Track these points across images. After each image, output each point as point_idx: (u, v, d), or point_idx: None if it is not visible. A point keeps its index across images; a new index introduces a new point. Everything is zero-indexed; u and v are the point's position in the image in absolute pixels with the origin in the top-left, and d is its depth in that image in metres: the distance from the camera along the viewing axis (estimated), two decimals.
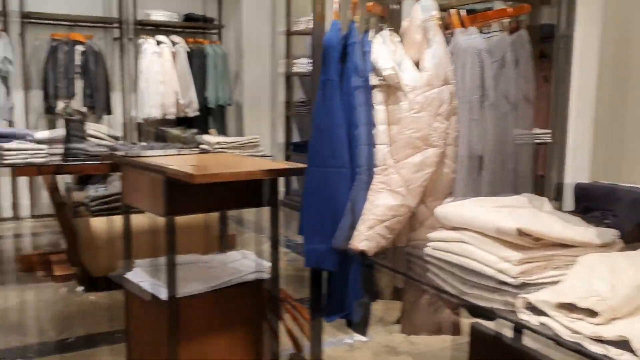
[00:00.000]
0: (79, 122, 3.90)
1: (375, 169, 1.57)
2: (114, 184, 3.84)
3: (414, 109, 1.57)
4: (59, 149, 4.01)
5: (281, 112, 6.40)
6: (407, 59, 1.67)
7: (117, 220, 3.71)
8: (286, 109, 6.37)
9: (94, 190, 3.80)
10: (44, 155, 3.75)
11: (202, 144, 4.70)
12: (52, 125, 5.51)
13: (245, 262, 2.47)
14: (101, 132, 4.32)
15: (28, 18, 5.38)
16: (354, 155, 1.57)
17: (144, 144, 4.35)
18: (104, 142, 4.30)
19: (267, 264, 2.42)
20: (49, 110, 5.41)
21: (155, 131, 4.90)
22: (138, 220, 3.78)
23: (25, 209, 5.64)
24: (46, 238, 5.02)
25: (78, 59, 5.44)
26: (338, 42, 1.65)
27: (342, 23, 1.75)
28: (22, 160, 3.65)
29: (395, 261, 1.61)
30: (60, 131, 4.20)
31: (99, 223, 3.66)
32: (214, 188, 2.03)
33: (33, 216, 5.64)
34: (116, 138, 4.43)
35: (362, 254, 1.53)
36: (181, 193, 2.04)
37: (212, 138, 4.34)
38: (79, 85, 5.47)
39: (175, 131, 4.73)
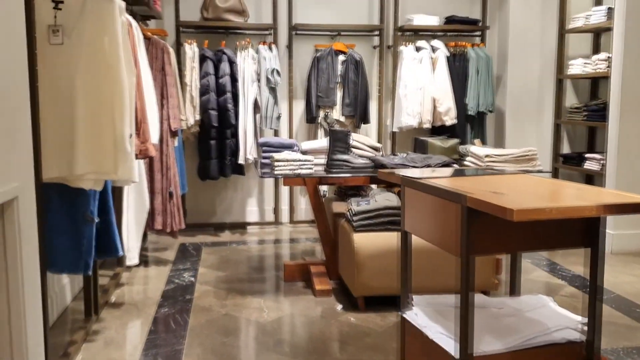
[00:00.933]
0: (344, 133, 3.77)
1: None
2: (377, 198, 3.62)
3: None
4: (323, 159, 3.96)
5: (549, 120, 5.69)
6: None
7: (381, 237, 3.49)
8: (555, 116, 5.64)
9: (356, 204, 3.62)
10: (310, 166, 3.69)
11: (467, 155, 4.30)
12: (313, 134, 5.59)
13: (547, 312, 1.99)
14: (362, 142, 4.17)
15: (295, 30, 5.52)
16: None
17: (404, 155, 4.09)
18: (365, 153, 4.14)
19: (577, 318, 1.91)
20: (310, 119, 5.49)
21: (415, 141, 4.61)
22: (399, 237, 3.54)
23: (284, 214, 5.82)
24: (304, 245, 5.07)
25: (339, 68, 5.44)
26: None
27: None
28: (290, 172, 3.63)
29: None
30: (324, 142, 4.15)
31: (361, 239, 3.46)
32: (524, 223, 1.59)
33: (292, 222, 5.79)
34: (376, 149, 4.24)
35: None
36: (484, 228, 1.64)
37: (479, 150, 3.90)
38: (338, 94, 5.46)
39: (436, 141, 4.39)
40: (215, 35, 5.41)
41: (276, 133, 5.62)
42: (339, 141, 3.78)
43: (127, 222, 3.62)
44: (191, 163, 5.44)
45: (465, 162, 3.96)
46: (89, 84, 2.38)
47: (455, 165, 3.82)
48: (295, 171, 3.65)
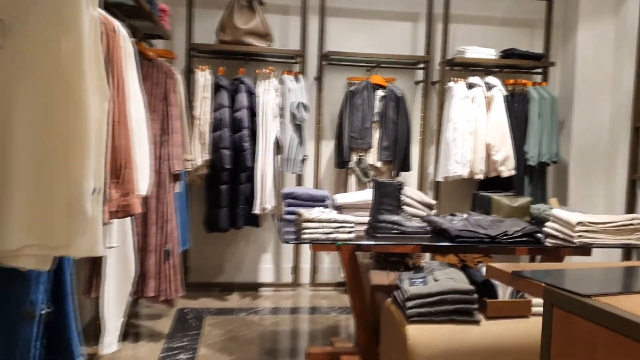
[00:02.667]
0: (395, 187, 2.89)
1: None
2: (437, 275, 2.72)
3: None
4: (364, 217, 3.08)
5: (622, 175, 4.78)
6: None
7: (445, 332, 2.58)
8: (630, 170, 4.73)
9: (409, 282, 2.72)
10: (350, 230, 2.81)
11: (542, 218, 3.41)
12: (343, 181, 4.72)
13: None
14: (414, 198, 3.30)
15: (327, 59, 4.72)
16: None
17: (464, 215, 3.20)
18: (416, 212, 3.27)
19: None
20: (341, 163, 4.63)
21: (474, 197, 3.73)
22: (488, 329, 2.62)
23: (305, 274, 4.92)
24: (327, 319, 4.14)
25: (377, 105, 4.60)
26: None
27: None
28: (324, 236, 2.75)
29: None
30: (364, 195, 3.28)
31: (418, 333, 2.54)
32: None
33: (313, 284, 4.88)
34: (430, 206, 3.37)
35: None
36: None
37: (568, 215, 2.99)
38: (375, 135, 4.61)
39: (502, 199, 3.50)
40: (233, 62, 4.61)
41: (299, 179, 4.76)
42: (387, 197, 2.90)
43: (106, 297, 2.74)
44: (197, 211, 4.59)
45: (546, 229, 3.06)
46: (35, 111, 1.54)
47: (539, 235, 2.92)
48: (331, 235, 2.76)
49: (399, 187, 2.90)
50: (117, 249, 2.65)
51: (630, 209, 4.73)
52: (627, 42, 4.70)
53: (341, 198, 3.29)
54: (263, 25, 4.51)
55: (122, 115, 2.15)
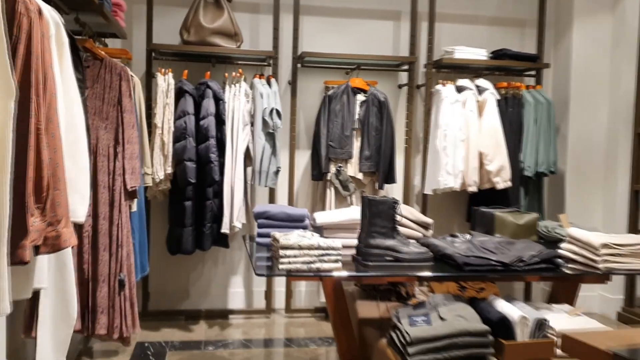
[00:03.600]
0: (389, 205, 2.45)
1: None
2: (442, 311, 2.28)
3: None
4: (350, 239, 2.64)
5: (623, 185, 4.43)
6: None
7: None
8: (633, 180, 4.38)
9: (408, 320, 2.27)
10: (336, 257, 2.35)
11: (553, 237, 3.02)
12: (320, 195, 4.26)
13: None
14: (407, 217, 2.86)
15: (301, 60, 4.27)
16: None
17: (466, 236, 2.78)
18: (411, 232, 2.84)
19: None
20: (318, 175, 4.18)
21: (474, 213, 3.32)
22: None
23: (279, 298, 4.44)
24: (305, 352, 3.67)
25: (357, 111, 4.16)
26: None
27: None
28: (305, 266, 2.29)
29: None
30: (349, 213, 2.84)
31: None
32: None
33: (288, 310, 4.40)
34: (426, 226, 2.94)
35: None
36: None
37: (587, 236, 2.59)
38: (356, 144, 4.17)
39: (506, 216, 3.10)
40: (198, 64, 4.13)
41: (272, 193, 4.30)
42: (379, 217, 2.45)
43: (41, 343, 2.23)
44: (158, 231, 4.09)
45: (562, 252, 2.65)
46: None
47: (559, 259, 2.51)
48: (313, 265, 2.30)
49: (394, 205, 2.45)
50: (53, 284, 2.14)
51: (634, 222, 4.37)
52: (626, 42, 4.37)
53: (322, 217, 2.84)
54: (232, 24, 4.05)
55: (49, 120, 1.67)
